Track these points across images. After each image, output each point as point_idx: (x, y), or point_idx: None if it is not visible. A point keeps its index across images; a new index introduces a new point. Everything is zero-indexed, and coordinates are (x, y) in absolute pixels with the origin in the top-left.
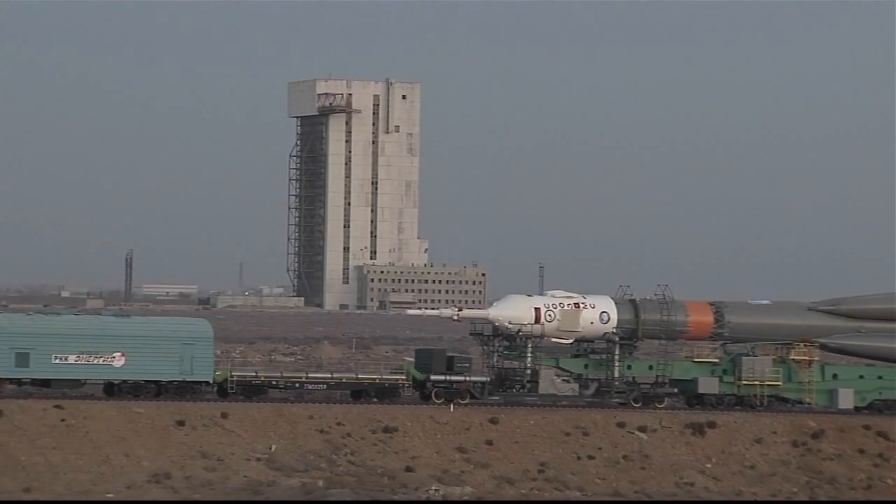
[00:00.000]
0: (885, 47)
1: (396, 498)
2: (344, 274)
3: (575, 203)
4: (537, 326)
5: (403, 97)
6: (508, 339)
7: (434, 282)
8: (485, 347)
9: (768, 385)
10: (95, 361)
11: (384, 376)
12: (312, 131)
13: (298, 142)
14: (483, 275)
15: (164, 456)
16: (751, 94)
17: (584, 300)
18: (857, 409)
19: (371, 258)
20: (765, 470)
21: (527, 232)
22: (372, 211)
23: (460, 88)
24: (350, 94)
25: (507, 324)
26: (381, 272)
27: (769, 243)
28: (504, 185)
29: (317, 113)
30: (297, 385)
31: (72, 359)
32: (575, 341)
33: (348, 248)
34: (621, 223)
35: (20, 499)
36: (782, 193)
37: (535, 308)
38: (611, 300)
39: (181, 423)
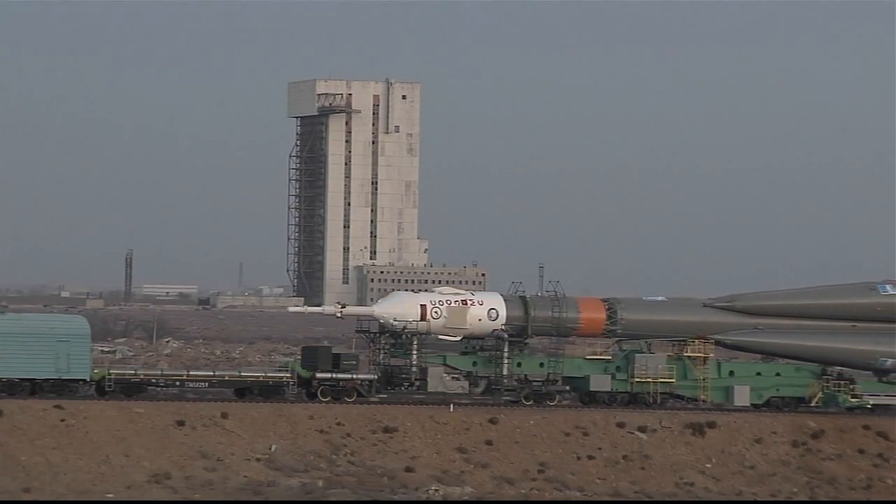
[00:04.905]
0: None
1: (396, 498)
2: (344, 274)
3: (575, 203)
4: (423, 324)
5: (403, 97)
6: (394, 337)
7: (434, 282)
8: (371, 345)
9: (662, 382)
10: None
11: (268, 374)
12: (312, 131)
13: (298, 142)
14: (483, 275)
15: (164, 456)
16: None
17: (471, 297)
18: (754, 406)
19: (371, 258)
20: (765, 470)
21: (527, 232)
22: (372, 211)
23: (460, 88)
24: (350, 94)
25: (392, 321)
26: (381, 272)
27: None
28: (504, 185)
29: (317, 113)
30: (177, 383)
31: None
32: (463, 338)
33: (348, 248)
34: (622, 224)
35: (20, 499)
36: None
37: (421, 305)
38: (500, 297)
39: (181, 423)
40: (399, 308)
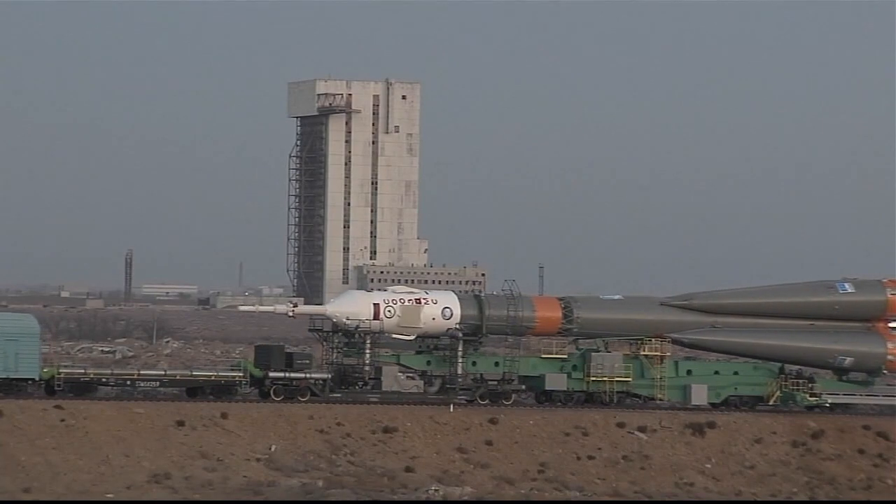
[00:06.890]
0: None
1: (396, 498)
2: (344, 274)
3: (575, 203)
4: (376, 322)
5: (403, 97)
6: (347, 336)
7: (434, 282)
8: (324, 344)
9: (618, 381)
10: None
11: (220, 373)
12: (312, 131)
13: (298, 142)
14: (483, 275)
15: (164, 456)
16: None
17: (425, 296)
18: (712, 404)
19: (371, 258)
20: (765, 470)
21: (527, 232)
22: (372, 211)
23: (460, 88)
24: (350, 95)
25: (344, 320)
26: (381, 272)
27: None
28: (504, 185)
29: (316, 113)
30: (128, 382)
31: None
32: (417, 337)
33: (348, 248)
34: (623, 223)
35: (20, 499)
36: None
37: (374, 304)
38: (454, 296)
39: (181, 424)
40: (352, 307)
